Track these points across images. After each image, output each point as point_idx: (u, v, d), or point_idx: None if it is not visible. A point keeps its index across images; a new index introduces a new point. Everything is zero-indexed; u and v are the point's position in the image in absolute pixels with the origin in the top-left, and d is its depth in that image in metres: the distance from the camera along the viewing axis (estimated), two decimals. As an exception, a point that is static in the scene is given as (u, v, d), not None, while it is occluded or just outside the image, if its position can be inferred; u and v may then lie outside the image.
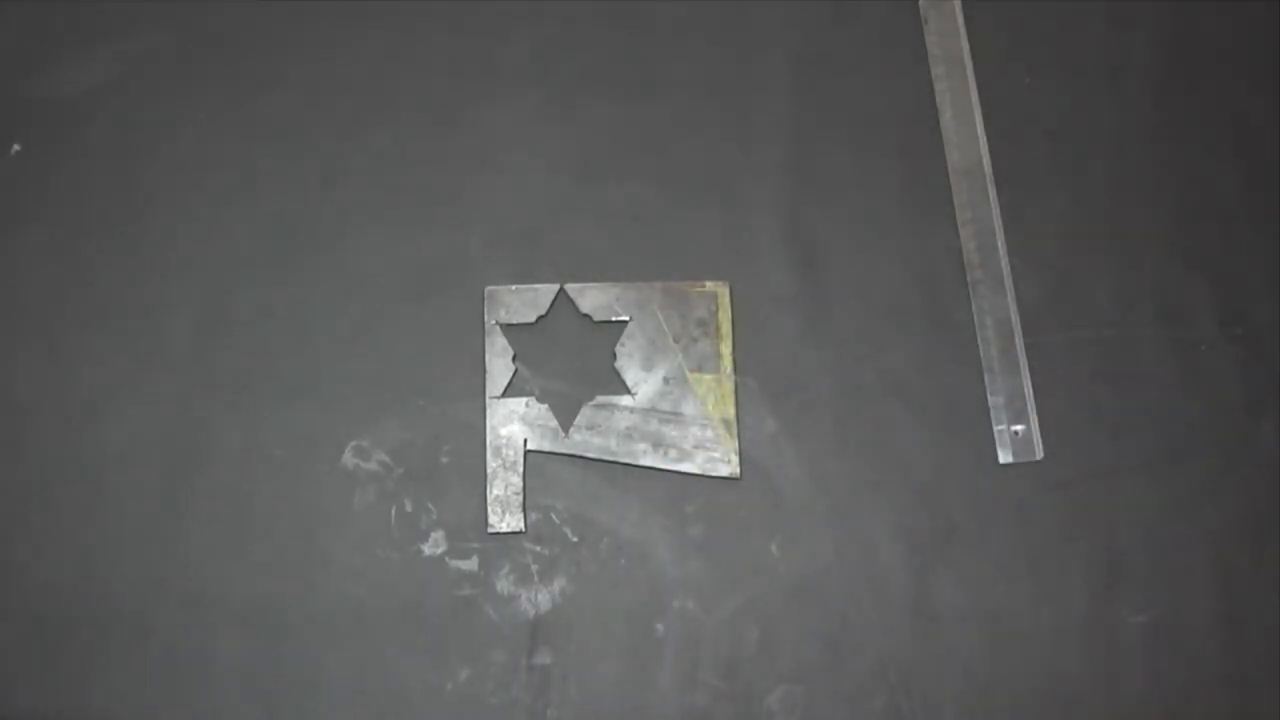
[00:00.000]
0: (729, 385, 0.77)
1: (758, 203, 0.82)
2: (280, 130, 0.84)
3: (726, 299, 0.79)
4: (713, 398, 0.77)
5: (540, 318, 0.78)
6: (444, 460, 0.75)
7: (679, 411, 0.77)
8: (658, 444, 0.77)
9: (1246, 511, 0.76)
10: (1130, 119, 0.84)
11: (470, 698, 0.71)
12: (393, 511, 0.75)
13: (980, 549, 0.75)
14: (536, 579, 0.74)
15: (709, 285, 0.79)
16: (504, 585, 0.74)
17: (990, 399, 0.76)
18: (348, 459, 0.76)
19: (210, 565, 0.74)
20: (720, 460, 0.76)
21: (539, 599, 0.74)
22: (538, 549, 0.75)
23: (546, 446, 0.76)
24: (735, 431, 0.77)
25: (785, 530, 0.75)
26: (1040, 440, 0.75)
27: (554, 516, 0.75)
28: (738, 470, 0.76)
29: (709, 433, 0.77)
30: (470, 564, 0.74)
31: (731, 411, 0.77)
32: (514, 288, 0.79)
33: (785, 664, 0.73)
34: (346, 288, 0.80)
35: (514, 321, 0.78)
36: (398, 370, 0.78)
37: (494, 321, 0.79)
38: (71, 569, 0.74)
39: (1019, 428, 0.75)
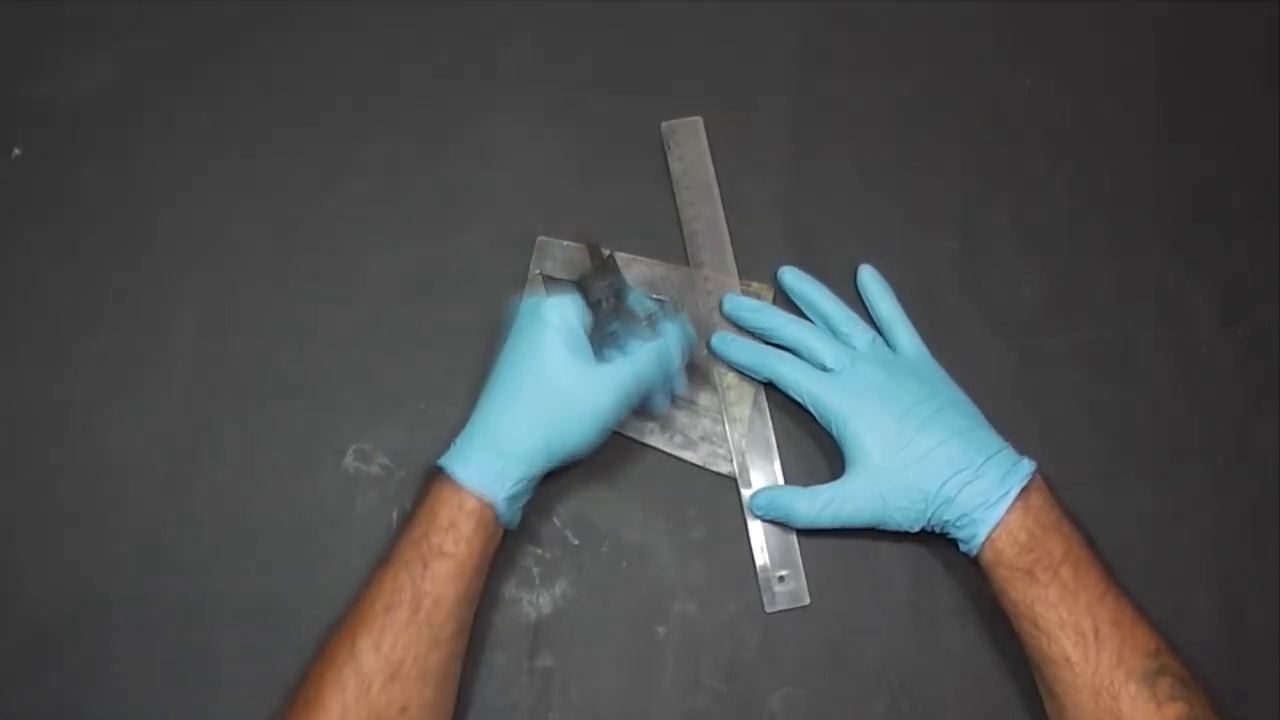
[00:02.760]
0: (750, 386, 0.77)
1: (757, 202, 0.82)
2: (280, 130, 0.84)
3: (769, 302, 0.79)
4: (732, 394, 0.77)
5: (583, 276, 0.78)
6: (442, 464, 0.75)
7: (695, 401, 0.77)
8: (666, 427, 0.77)
9: (1246, 511, 0.76)
10: (1130, 119, 0.84)
11: (472, 700, 0.71)
12: (394, 515, 0.75)
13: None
14: (538, 582, 0.74)
15: (754, 285, 0.79)
16: (505, 588, 0.74)
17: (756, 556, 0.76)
18: (349, 462, 0.76)
19: (211, 568, 0.74)
20: (723, 457, 0.76)
21: (540, 602, 0.74)
22: (539, 552, 0.75)
23: None
24: (745, 432, 0.76)
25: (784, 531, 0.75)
26: (806, 588, 0.75)
27: (555, 520, 0.75)
28: (738, 470, 0.76)
29: (719, 427, 0.77)
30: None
31: (746, 412, 0.77)
32: (565, 243, 0.79)
33: (786, 667, 0.73)
34: (347, 289, 0.80)
35: (557, 275, 0.78)
36: (399, 373, 0.78)
37: (537, 271, 0.79)
38: (72, 571, 0.74)
39: (784, 573, 0.75)
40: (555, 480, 0.75)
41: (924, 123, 0.84)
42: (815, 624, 0.74)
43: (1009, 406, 0.73)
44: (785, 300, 0.79)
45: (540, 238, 0.80)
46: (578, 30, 0.86)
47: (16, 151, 0.83)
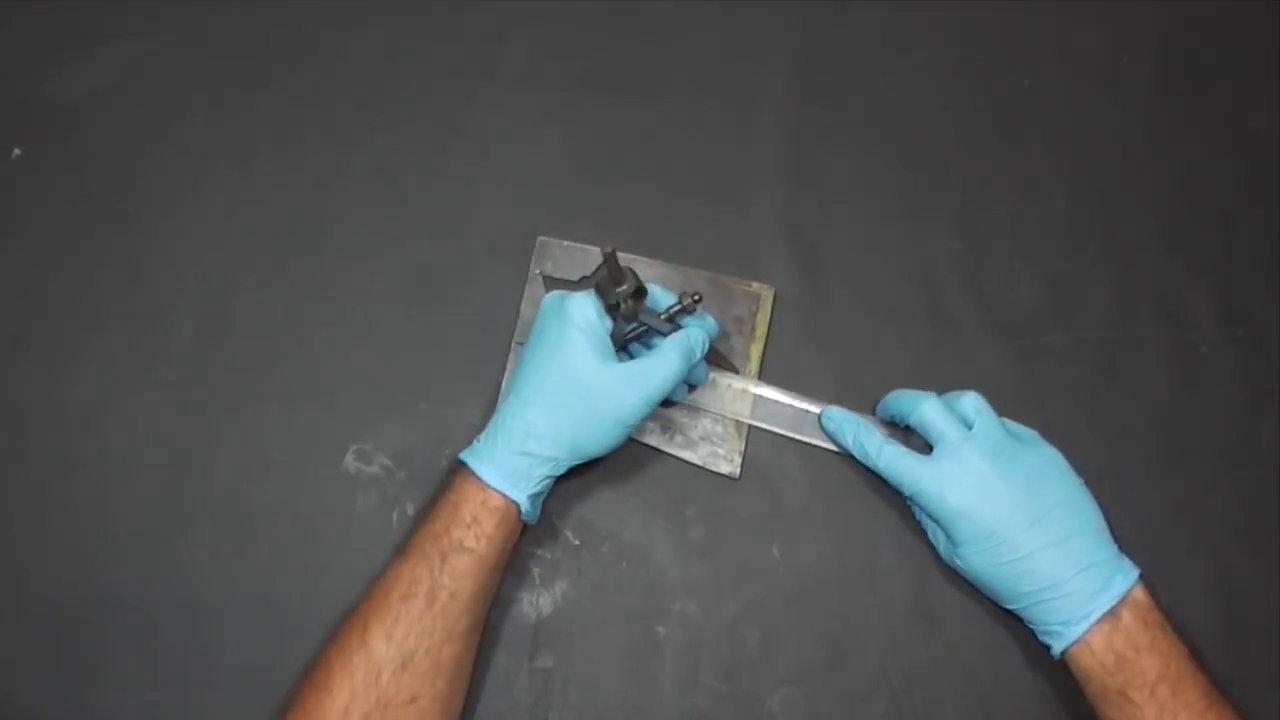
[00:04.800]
0: (749, 387, 0.77)
1: (757, 203, 0.82)
2: (280, 130, 0.84)
3: (769, 303, 0.79)
4: (731, 394, 0.77)
5: (583, 278, 0.78)
6: (446, 464, 0.75)
7: (695, 400, 0.77)
8: (666, 427, 0.77)
9: (1246, 511, 0.76)
10: (1130, 119, 0.84)
11: (472, 700, 0.71)
12: (394, 515, 0.75)
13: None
14: (538, 582, 0.74)
15: (755, 286, 0.79)
16: (505, 588, 0.73)
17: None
18: (349, 462, 0.76)
19: (211, 568, 0.74)
20: (723, 457, 0.76)
21: (540, 602, 0.74)
22: (539, 552, 0.75)
23: None
24: (745, 433, 0.77)
25: (786, 532, 0.75)
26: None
27: (555, 520, 0.75)
28: (738, 470, 0.76)
29: (719, 428, 0.77)
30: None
31: (747, 412, 0.77)
32: (565, 243, 0.80)
33: (786, 666, 0.73)
34: (347, 289, 0.80)
35: (557, 275, 0.78)
36: (399, 373, 0.78)
37: (538, 271, 0.79)
38: (73, 571, 0.74)
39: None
40: (556, 480, 0.75)
41: (924, 123, 0.84)
42: (815, 624, 0.74)
43: (1009, 406, 0.73)
44: (787, 305, 0.79)
45: (540, 238, 0.80)
46: (578, 30, 0.86)
47: (17, 151, 0.83)
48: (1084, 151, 0.84)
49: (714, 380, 0.77)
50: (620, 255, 0.73)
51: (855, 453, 0.74)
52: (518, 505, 0.68)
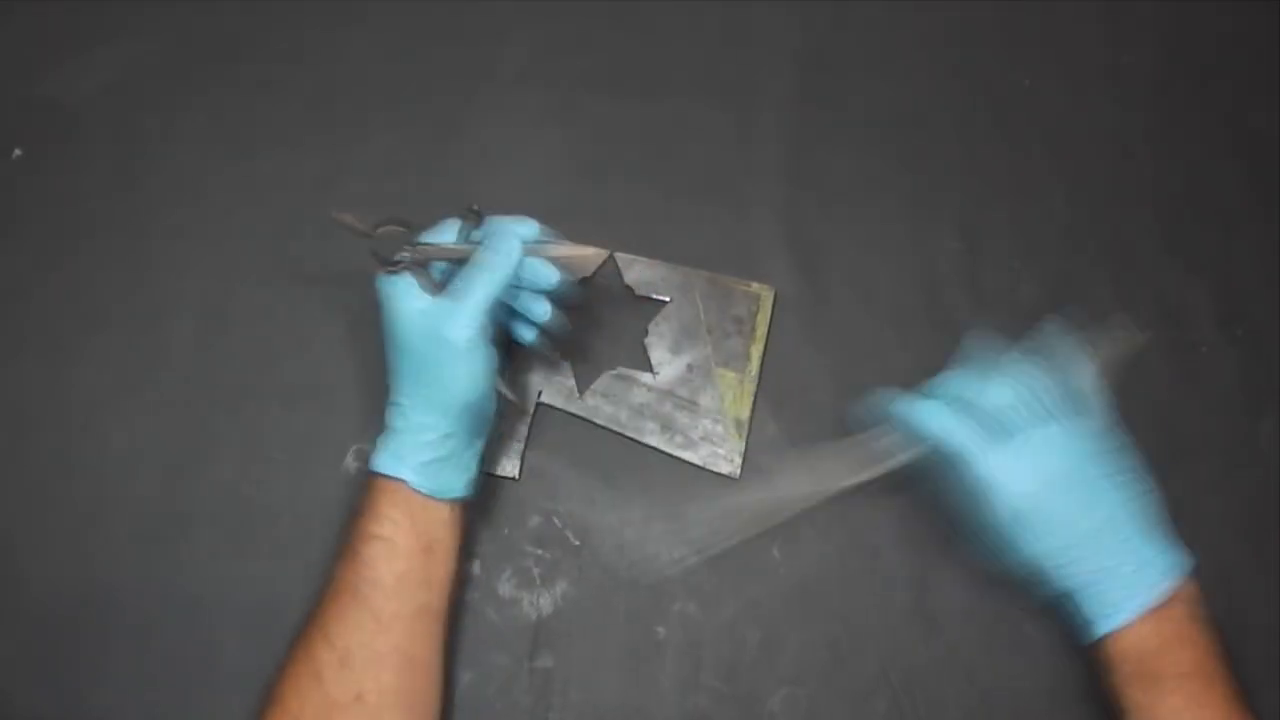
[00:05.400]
0: (750, 387, 0.77)
1: (757, 203, 0.82)
2: (280, 130, 0.84)
3: (769, 303, 0.79)
4: (732, 395, 0.77)
5: (585, 279, 0.79)
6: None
7: (695, 401, 0.77)
8: (666, 427, 0.77)
9: (1246, 511, 0.76)
10: (1130, 119, 0.84)
11: (472, 700, 0.71)
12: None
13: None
14: (538, 582, 0.74)
15: (755, 286, 0.79)
16: (505, 588, 0.74)
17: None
18: (349, 462, 0.76)
19: (211, 569, 0.74)
20: (723, 457, 0.76)
21: (541, 602, 0.74)
22: (539, 552, 0.75)
23: (559, 403, 0.77)
24: (745, 434, 0.77)
25: (786, 532, 0.75)
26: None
27: (555, 520, 0.75)
28: (738, 470, 0.76)
29: (719, 428, 0.77)
30: (472, 567, 0.74)
31: (747, 413, 0.77)
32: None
33: (786, 666, 0.73)
34: (347, 289, 0.80)
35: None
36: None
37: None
38: (73, 572, 0.74)
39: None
40: (555, 480, 0.75)
41: (924, 123, 0.84)
42: (815, 624, 0.74)
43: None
44: (787, 305, 0.79)
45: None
46: (578, 30, 0.86)
47: (17, 152, 0.83)
48: (1084, 151, 0.84)
49: (717, 379, 0.77)
50: (620, 255, 0.74)
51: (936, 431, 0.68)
52: (405, 482, 0.66)
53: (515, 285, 0.69)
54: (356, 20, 0.86)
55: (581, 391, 0.77)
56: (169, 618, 0.74)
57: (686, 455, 0.76)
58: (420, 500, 0.67)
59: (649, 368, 0.78)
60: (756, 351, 0.78)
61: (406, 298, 0.67)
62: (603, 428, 0.77)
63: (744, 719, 0.72)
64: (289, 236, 0.81)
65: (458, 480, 0.69)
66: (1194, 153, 0.84)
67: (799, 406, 0.77)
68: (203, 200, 0.82)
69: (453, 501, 0.69)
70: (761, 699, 0.72)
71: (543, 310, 0.72)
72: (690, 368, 0.78)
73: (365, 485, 0.68)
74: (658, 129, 0.84)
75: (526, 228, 0.70)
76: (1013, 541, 0.67)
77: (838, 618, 0.74)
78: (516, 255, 0.68)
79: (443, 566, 0.69)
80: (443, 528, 0.68)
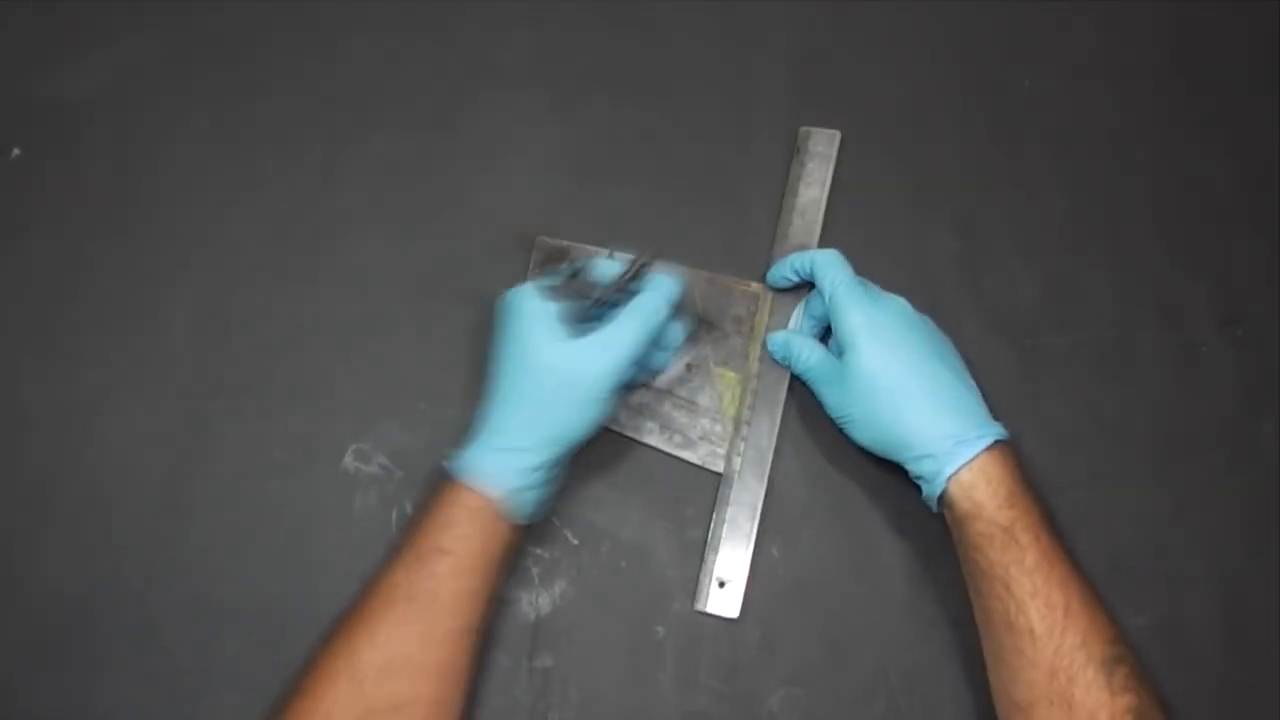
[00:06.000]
0: (749, 387, 0.77)
1: (757, 203, 0.82)
2: (280, 130, 0.84)
3: (769, 303, 0.79)
4: (730, 394, 0.77)
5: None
6: (445, 463, 0.75)
7: (694, 400, 0.77)
8: (665, 426, 0.77)
9: (1246, 511, 0.76)
10: (1130, 119, 0.84)
11: (472, 700, 0.71)
12: (394, 515, 0.75)
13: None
14: (537, 582, 0.74)
15: (754, 286, 0.79)
16: (505, 588, 0.73)
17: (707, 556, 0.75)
18: (348, 462, 0.76)
19: (211, 567, 0.74)
20: (722, 457, 0.76)
21: (540, 602, 0.74)
22: (538, 552, 0.75)
23: None
24: (744, 433, 0.76)
25: (786, 532, 0.75)
26: (741, 600, 0.74)
27: (555, 519, 0.75)
28: (737, 470, 0.76)
29: (718, 428, 0.77)
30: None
31: (745, 412, 0.77)
32: (564, 243, 0.79)
33: (786, 666, 0.73)
34: (346, 289, 0.80)
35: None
36: (398, 373, 0.78)
37: (536, 270, 0.79)
38: (72, 571, 0.74)
39: (726, 579, 0.75)
40: (555, 475, 0.75)
41: (924, 123, 0.84)
42: (815, 624, 0.74)
43: (1008, 407, 0.73)
44: (789, 302, 0.79)
45: (539, 237, 0.80)
46: (577, 30, 0.86)
47: (16, 151, 0.83)
48: (1084, 151, 0.84)
49: (716, 379, 0.77)
50: (619, 255, 0.74)
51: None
52: (495, 503, 0.67)
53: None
54: (356, 20, 0.86)
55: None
56: (169, 617, 0.74)
57: (685, 455, 0.76)
58: (495, 520, 0.68)
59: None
60: (755, 351, 0.78)
61: (547, 327, 0.69)
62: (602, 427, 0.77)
63: (743, 718, 0.72)
64: (289, 236, 0.81)
65: (535, 505, 0.70)
66: (1194, 153, 0.84)
67: (798, 406, 0.77)
68: (203, 200, 0.82)
69: (520, 525, 0.70)
70: (760, 698, 0.72)
71: (664, 360, 0.76)
72: (689, 367, 0.78)
73: (439, 491, 0.68)
74: (658, 129, 0.84)
75: (676, 283, 0.72)
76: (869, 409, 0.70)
77: (837, 618, 0.74)
78: (664, 314, 0.71)
79: (495, 585, 0.70)
80: (505, 550, 0.70)
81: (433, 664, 0.65)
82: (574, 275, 0.70)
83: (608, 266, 0.72)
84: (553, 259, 0.69)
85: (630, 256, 0.72)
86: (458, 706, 0.68)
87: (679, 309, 0.73)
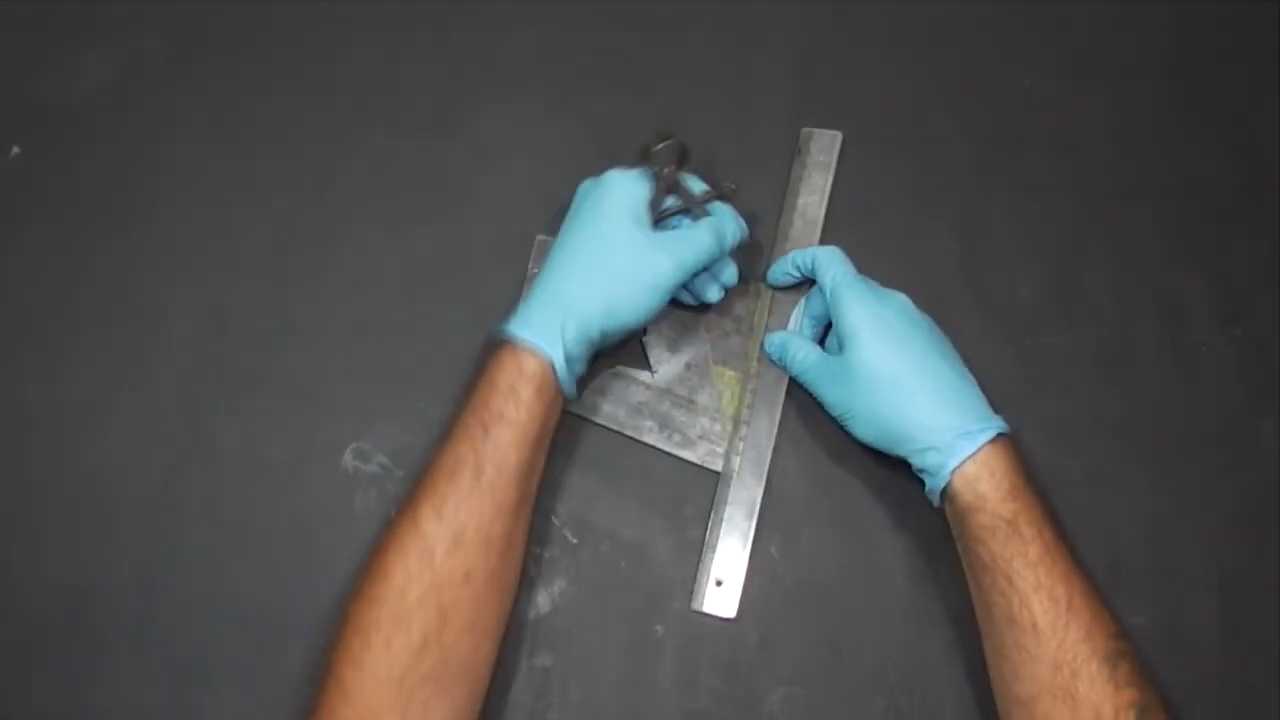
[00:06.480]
0: (749, 386, 0.77)
1: (757, 203, 0.82)
2: (280, 131, 0.84)
3: (768, 301, 0.79)
4: (729, 393, 0.77)
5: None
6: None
7: (693, 399, 0.77)
8: (664, 425, 0.77)
9: (1246, 511, 0.76)
10: (1130, 119, 0.84)
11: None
12: (393, 514, 0.75)
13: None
14: (536, 581, 0.74)
15: (754, 285, 0.80)
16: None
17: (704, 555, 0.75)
18: (348, 461, 0.76)
19: (210, 567, 0.74)
20: (721, 456, 0.76)
21: (539, 600, 0.74)
22: (537, 550, 0.75)
23: None
24: (743, 432, 0.76)
25: (786, 532, 0.75)
26: (738, 600, 0.74)
27: (554, 518, 0.75)
28: (736, 469, 0.76)
29: (717, 427, 0.77)
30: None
31: (745, 411, 0.77)
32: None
33: (785, 666, 0.73)
34: (346, 289, 0.80)
35: None
36: (397, 372, 0.78)
37: (535, 270, 0.79)
38: (72, 570, 0.74)
39: (723, 579, 0.75)
40: (553, 478, 0.75)
41: (924, 123, 0.84)
42: (815, 624, 0.74)
43: (1008, 406, 0.72)
44: (788, 302, 0.79)
45: (540, 237, 0.80)
46: (577, 30, 0.86)
47: (16, 150, 0.83)
48: (1084, 151, 0.84)
49: (715, 378, 0.77)
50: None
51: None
52: (552, 367, 0.68)
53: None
54: (356, 20, 0.86)
55: (580, 390, 0.77)
56: (168, 618, 0.74)
57: (684, 454, 0.76)
58: (553, 388, 0.69)
59: (647, 366, 0.78)
60: (755, 350, 0.78)
61: (635, 211, 0.71)
62: (601, 426, 0.77)
63: (743, 718, 0.72)
64: (289, 236, 0.81)
65: (574, 383, 0.71)
66: (1194, 153, 0.84)
67: (797, 405, 0.77)
68: (202, 200, 0.82)
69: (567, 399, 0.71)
70: (760, 698, 0.72)
71: (715, 293, 0.77)
72: (688, 366, 0.78)
73: (498, 357, 0.69)
74: (657, 129, 0.83)
75: (745, 226, 0.76)
76: (870, 403, 0.71)
77: (836, 617, 0.74)
78: (732, 242, 0.74)
79: (544, 458, 0.71)
80: (554, 423, 0.71)
81: (497, 536, 0.66)
82: (672, 167, 0.73)
83: (695, 182, 0.74)
84: (665, 146, 0.73)
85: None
86: (515, 580, 0.69)
87: (739, 251, 0.76)
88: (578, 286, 0.69)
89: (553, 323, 0.68)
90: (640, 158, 0.73)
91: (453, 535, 0.64)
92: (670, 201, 0.73)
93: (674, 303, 0.76)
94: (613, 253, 0.70)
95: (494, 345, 0.70)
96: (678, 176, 0.73)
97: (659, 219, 0.73)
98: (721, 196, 0.75)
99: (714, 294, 0.77)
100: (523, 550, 0.70)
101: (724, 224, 0.73)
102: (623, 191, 0.71)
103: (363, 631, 0.63)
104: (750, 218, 0.78)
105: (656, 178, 0.72)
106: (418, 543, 0.64)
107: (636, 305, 0.70)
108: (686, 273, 0.71)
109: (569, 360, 0.68)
